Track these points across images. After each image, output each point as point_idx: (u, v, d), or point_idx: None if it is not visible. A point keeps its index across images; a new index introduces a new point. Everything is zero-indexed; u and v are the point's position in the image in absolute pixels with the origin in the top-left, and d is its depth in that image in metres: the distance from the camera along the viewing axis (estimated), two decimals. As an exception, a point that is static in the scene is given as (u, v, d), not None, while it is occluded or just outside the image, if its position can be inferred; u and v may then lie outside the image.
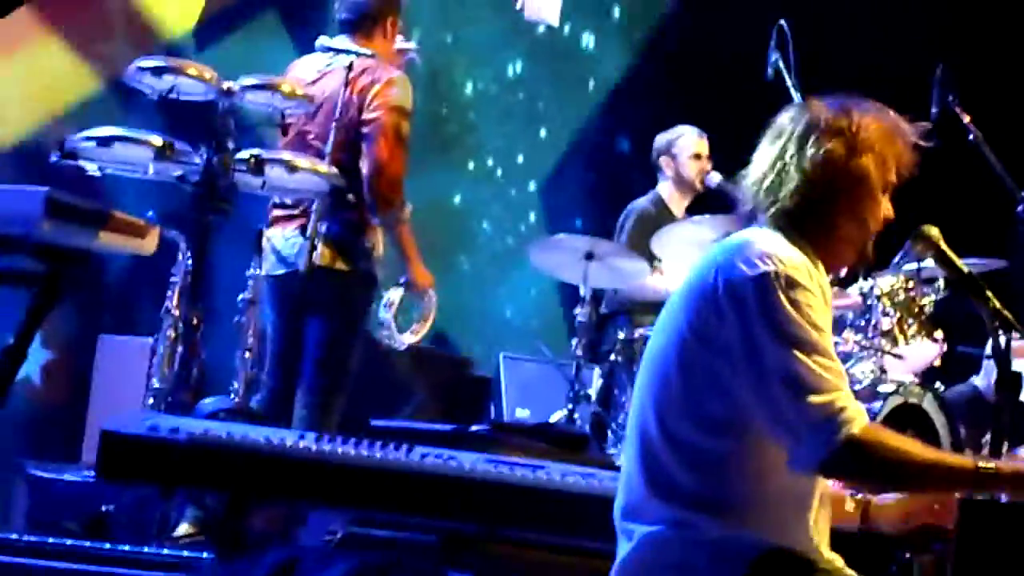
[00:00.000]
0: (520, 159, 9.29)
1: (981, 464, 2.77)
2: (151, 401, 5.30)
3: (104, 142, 5.08)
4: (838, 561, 2.93)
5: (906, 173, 2.97)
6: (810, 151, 2.90)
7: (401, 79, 5.67)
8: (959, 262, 3.15)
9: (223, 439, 4.02)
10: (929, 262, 5.95)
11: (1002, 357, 3.04)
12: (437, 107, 8.91)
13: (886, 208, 2.97)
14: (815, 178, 2.89)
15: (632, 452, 2.92)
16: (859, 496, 3.12)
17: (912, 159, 2.97)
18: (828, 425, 2.72)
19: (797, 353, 2.74)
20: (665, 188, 7.44)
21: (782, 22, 6.24)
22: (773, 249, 2.83)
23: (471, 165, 9.13)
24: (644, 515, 2.87)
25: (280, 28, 7.83)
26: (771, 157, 2.94)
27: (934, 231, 3.16)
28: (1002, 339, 3.04)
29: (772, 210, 2.92)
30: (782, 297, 2.77)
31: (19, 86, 6.93)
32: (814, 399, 2.72)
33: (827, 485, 2.95)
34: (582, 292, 6.79)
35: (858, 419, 2.73)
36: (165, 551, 4.50)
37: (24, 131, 6.90)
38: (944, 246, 3.16)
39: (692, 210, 7.36)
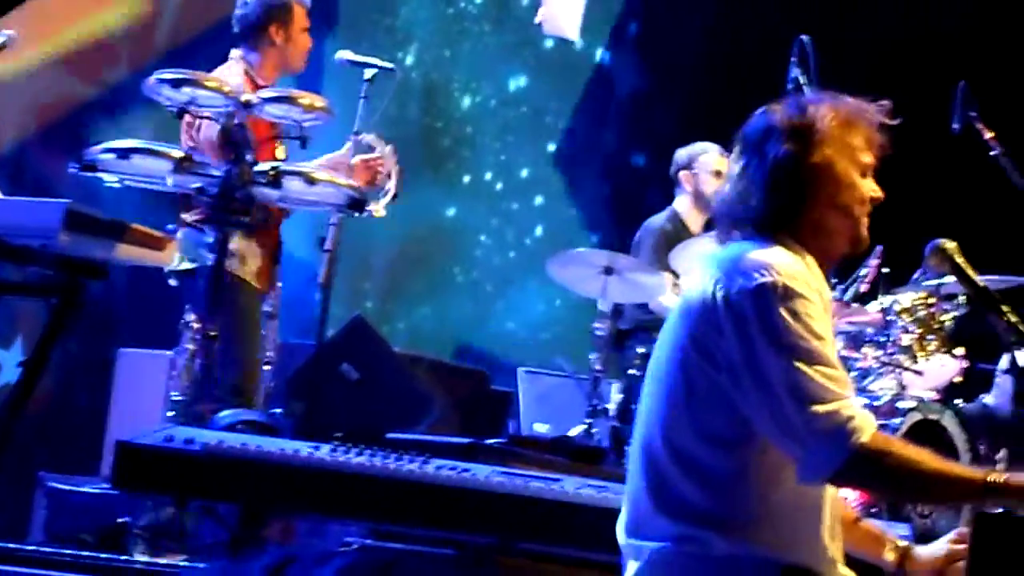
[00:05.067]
0: (524, 173, 9.26)
1: (990, 477, 2.74)
2: (170, 413, 5.33)
3: (123, 154, 5.09)
4: (852, 577, 2.92)
5: (879, 152, 2.96)
6: (770, 155, 2.90)
7: None
8: (975, 276, 3.12)
9: (238, 450, 4.03)
10: (950, 278, 5.94)
11: (1019, 372, 3.02)
12: (433, 121, 8.90)
13: (870, 189, 2.95)
14: (780, 180, 2.89)
15: (637, 468, 2.90)
16: (900, 543, 3.09)
17: (881, 138, 2.96)
18: (837, 434, 2.70)
19: (799, 364, 2.73)
20: (682, 203, 7.39)
21: (803, 36, 6.22)
22: (769, 259, 2.82)
23: (467, 179, 9.11)
24: (650, 532, 2.84)
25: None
26: (738, 168, 2.95)
27: (950, 245, 3.14)
28: (1019, 355, 3.01)
29: (751, 221, 2.91)
30: (781, 308, 2.76)
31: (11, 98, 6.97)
32: (820, 408, 2.71)
33: (838, 500, 2.93)
34: (600, 306, 6.76)
35: (867, 427, 2.72)
36: (181, 562, 4.51)
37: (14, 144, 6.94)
38: (960, 260, 3.13)
39: (709, 226, 7.34)
